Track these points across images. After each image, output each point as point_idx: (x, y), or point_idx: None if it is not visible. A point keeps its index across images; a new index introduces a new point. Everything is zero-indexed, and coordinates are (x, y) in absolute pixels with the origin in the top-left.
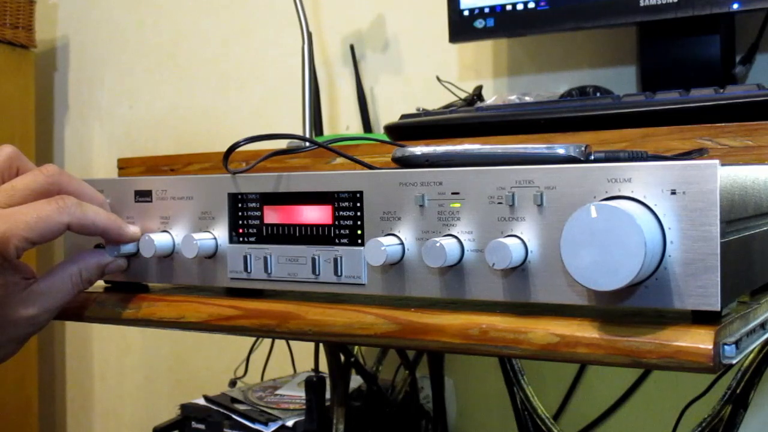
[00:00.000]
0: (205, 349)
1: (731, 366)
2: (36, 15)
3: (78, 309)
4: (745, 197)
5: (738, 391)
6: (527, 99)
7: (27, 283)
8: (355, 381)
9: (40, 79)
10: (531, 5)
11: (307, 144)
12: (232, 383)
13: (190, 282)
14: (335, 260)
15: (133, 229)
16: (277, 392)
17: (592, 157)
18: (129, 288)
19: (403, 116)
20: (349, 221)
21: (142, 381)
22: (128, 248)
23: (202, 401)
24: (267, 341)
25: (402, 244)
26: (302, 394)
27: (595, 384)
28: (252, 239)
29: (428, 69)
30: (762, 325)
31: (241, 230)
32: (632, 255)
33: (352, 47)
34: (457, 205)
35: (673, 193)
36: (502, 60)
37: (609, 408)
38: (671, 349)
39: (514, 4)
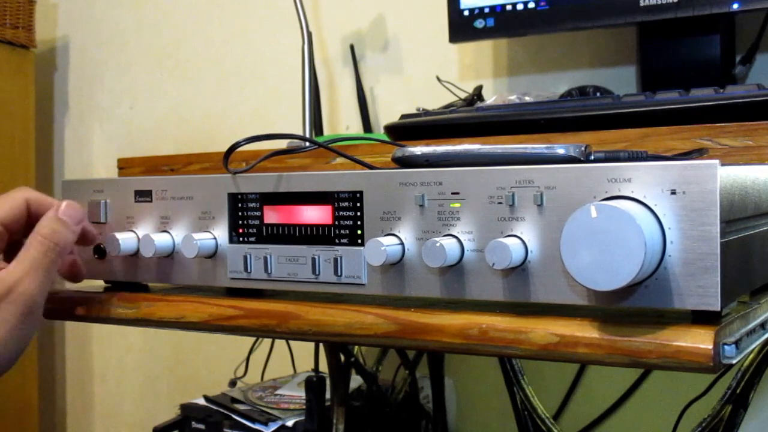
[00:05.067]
0: (205, 349)
1: (731, 366)
2: (36, 15)
3: (78, 309)
4: (745, 197)
5: (738, 391)
6: (527, 99)
7: None
8: (355, 381)
9: (40, 79)
10: (531, 5)
11: (307, 144)
12: (232, 383)
13: (190, 282)
14: (335, 260)
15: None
16: (277, 392)
17: (592, 157)
18: (129, 288)
19: (403, 116)
20: (349, 221)
21: (142, 381)
22: (128, 247)
23: (202, 401)
24: (267, 341)
25: (402, 244)
26: (302, 394)
27: (595, 384)
28: (252, 239)
29: (428, 69)
30: (762, 325)
31: (241, 230)
32: (632, 255)
33: (352, 47)
34: (457, 205)
35: (673, 193)
36: (502, 60)
37: (609, 408)
38: (671, 349)
39: (514, 4)
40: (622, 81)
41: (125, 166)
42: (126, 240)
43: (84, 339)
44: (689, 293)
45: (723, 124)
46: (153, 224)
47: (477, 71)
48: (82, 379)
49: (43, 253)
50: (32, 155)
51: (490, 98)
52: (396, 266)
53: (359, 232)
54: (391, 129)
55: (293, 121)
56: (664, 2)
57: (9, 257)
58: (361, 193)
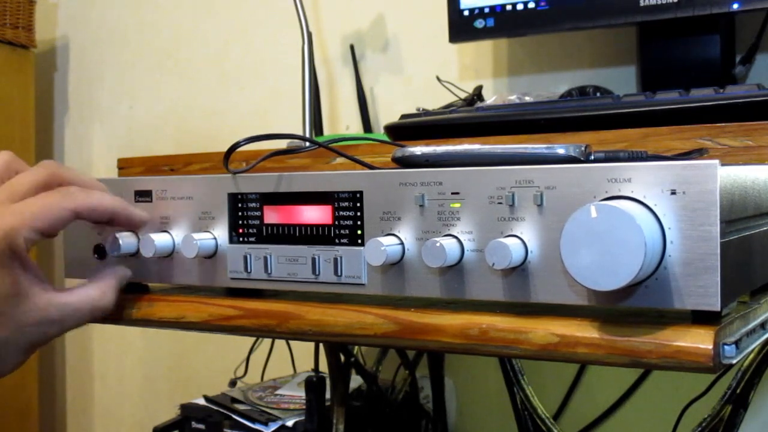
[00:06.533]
0: (205, 349)
1: (731, 366)
2: (36, 15)
3: None
4: (745, 197)
5: (738, 391)
6: (527, 99)
7: (42, 288)
8: (355, 381)
9: (40, 79)
10: (531, 5)
11: (307, 144)
12: (232, 383)
13: (190, 282)
14: (335, 260)
15: (140, 212)
16: (277, 392)
17: (592, 157)
18: (129, 288)
19: (403, 116)
20: (349, 221)
21: (142, 381)
22: (128, 247)
23: (202, 401)
24: (267, 341)
25: (402, 244)
26: (302, 394)
27: (595, 384)
28: (252, 239)
29: (428, 69)
30: (762, 325)
31: (241, 230)
32: (632, 255)
33: (352, 47)
34: (457, 205)
35: (673, 193)
36: (502, 60)
37: (609, 408)
38: (671, 349)
39: (514, 4)
40: (622, 81)
41: (125, 166)
42: (126, 240)
43: (84, 339)
44: (689, 293)
45: (723, 124)
46: (153, 224)
47: (477, 71)
48: (82, 379)
49: (94, 317)
50: (32, 155)
51: (490, 98)
52: (396, 266)
53: (359, 232)
54: (391, 129)
55: (293, 121)
56: (664, 2)
57: None
58: (361, 193)
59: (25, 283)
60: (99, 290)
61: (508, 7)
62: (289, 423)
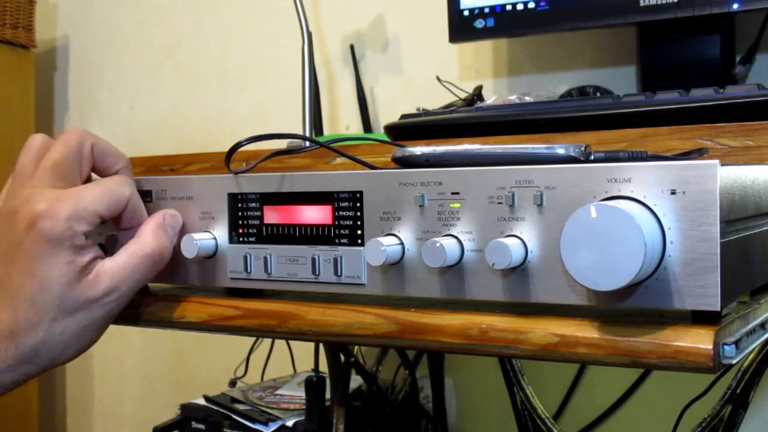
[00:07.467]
0: (205, 349)
1: (731, 366)
2: (36, 15)
3: None
4: (745, 197)
5: (738, 391)
6: (527, 99)
7: (94, 263)
8: (355, 381)
9: (40, 79)
10: (531, 5)
11: (308, 144)
12: (232, 383)
13: (190, 282)
14: (335, 260)
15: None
16: (277, 392)
17: (592, 157)
18: None
19: (403, 116)
20: (349, 221)
21: (142, 381)
22: None
23: (202, 401)
24: (267, 341)
25: (402, 244)
26: (302, 394)
27: (595, 384)
28: (252, 239)
29: (428, 69)
30: (762, 325)
31: (241, 230)
32: (632, 255)
33: (352, 47)
34: (457, 205)
35: (673, 193)
36: (502, 60)
37: (609, 408)
38: (671, 349)
39: (514, 4)
40: (622, 81)
41: None
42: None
43: None
44: (689, 293)
45: (723, 124)
46: None
47: (477, 71)
48: (82, 379)
49: (149, 268)
50: None
51: (490, 98)
52: (396, 266)
53: (359, 232)
54: (391, 129)
55: (293, 121)
56: (664, 2)
57: None
58: (361, 193)
59: (80, 264)
60: (138, 241)
61: (508, 7)
62: (289, 423)
